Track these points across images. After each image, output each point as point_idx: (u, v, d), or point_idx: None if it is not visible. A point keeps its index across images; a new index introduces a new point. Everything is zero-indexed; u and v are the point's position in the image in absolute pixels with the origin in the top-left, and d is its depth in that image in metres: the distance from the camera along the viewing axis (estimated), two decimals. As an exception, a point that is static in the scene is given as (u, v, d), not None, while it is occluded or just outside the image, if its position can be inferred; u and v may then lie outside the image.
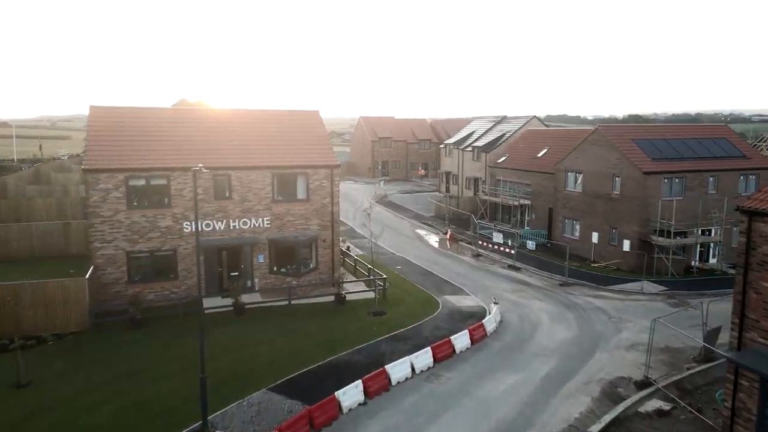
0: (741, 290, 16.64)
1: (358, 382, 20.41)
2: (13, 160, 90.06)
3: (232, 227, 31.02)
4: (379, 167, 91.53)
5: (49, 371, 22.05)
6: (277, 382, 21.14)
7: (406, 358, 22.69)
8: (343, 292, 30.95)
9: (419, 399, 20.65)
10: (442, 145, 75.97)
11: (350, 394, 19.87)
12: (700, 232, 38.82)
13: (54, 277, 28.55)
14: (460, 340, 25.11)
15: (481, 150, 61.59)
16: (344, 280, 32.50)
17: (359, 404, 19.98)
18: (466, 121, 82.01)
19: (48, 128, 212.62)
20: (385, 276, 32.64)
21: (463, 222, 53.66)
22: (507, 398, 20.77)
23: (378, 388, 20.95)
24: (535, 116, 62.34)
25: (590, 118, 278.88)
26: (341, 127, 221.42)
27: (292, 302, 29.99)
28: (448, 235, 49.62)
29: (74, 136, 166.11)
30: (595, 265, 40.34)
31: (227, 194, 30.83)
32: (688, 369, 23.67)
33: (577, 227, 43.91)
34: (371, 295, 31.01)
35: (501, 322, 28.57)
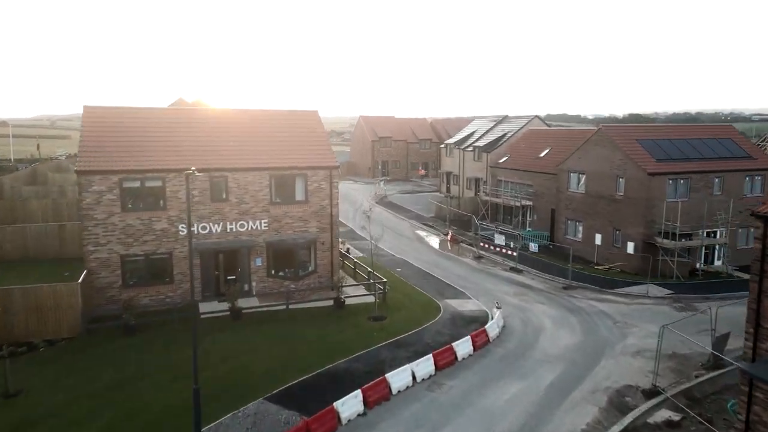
0: (756, 298, 15.99)
1: (358, 392, 19.78)
2: (10, 159, 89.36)
3: (229, 230, 30.37)
4: (379, 167, 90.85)
5: (39, 380, 21.42)
6: (274, 392, 20.49)
7: (407, 366, 22.04)
8: (343, 297, 30.31)
9: (420, 409, 20.01)
10: (442, 145, 75.26)
11: (349, 405, 19.24)
12: (705, 234, 38.18)
13: (48, 280, 28.01)
14: (463, 347, 24.46)
15: (483, 150, 60.91)
16: (344, 284, 31.83)
17: (358, 415, 19.34)
18: (467, 121, 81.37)
19: (47, 127, 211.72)
20: (385, 279, 31.98)
21: (463, 223, 53.01)
22: (511, 408, 20.12)
23: (378, 398, 20.30)
24: (536, 116, 61.68)
25: (590, 117, 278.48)
26: (341, 126, 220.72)
27: (290, 307, 29.31)
28: (449, 237, 48.96)
29: (73, 136, 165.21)
30: (599, 267, 39.69)
31: (224, 196, 30.17)
32: (696, 377, 23.03)
33: (580, 229, 43.26)
34: (371, 299, 30.37)
35: (504, 327, 27.93)
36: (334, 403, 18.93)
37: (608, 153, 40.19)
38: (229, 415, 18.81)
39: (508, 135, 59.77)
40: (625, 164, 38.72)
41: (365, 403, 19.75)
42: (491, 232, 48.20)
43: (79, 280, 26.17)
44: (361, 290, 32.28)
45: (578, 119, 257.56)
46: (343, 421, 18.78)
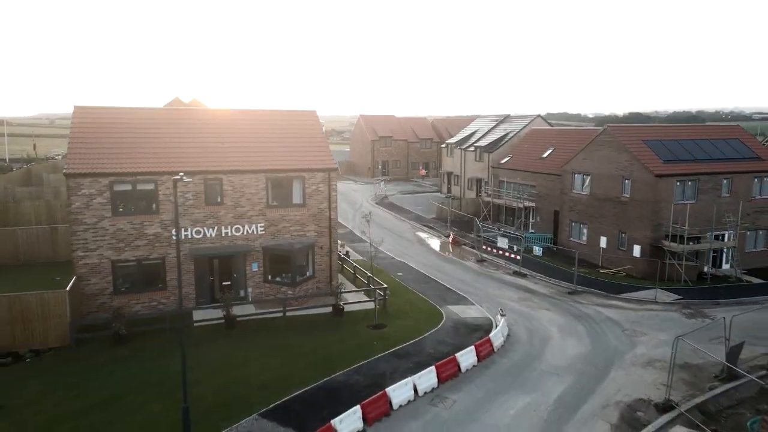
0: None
1: (357, 408, 18.80)
2: (5, 159, 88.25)
3: (224, 234, 29.38)
4: (379, 167, 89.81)
5: (23, 394, 20.41)
6: (270, 407, 19.52)
7: (409, 379, 21.02)
8: (342, 303, 29.30)
9: (423, 426, 19.03)
10: (443, 145, 74.24)
11: (348, 422, 18.26)
12: (713, 236, 37.20)
13: (38, 286, 27.05)
14: (466, 358, 23.46)
15: (484, 150, 59.90)
16: (343, 289, 30.80)
17: (357, 432, 18.40)
18: (468, 120, 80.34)
19: (46, 126, 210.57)
20: (385, 285, 30.99)
21: (465, 224, 52.03)
22: (518, 424, 19.15)
23: (378, 414, 19.33)
24: (539, 115, 60.69)
25: (591, 116, 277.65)
26: (341, 125, 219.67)
27: (287, 314, 28.32)
28: (450, 239, 47.98)
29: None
30: (604, 271, 38.70)
31: (219, 199, 29.18)
32: (710, 389, 22.06)
33: (585, 231, 42.25)
34: (371, 305, 29.35)
35: (508, 335, 26.94)
36: (332, 421, 17.95)
37: (614, 154, 39.19)
38: (221, 434, 17.86)
39: (510, 135, 58.76)
40: (631, 165, 37.72)
41: (364, 419, 18.77)
42: (493, 234, 47.24)
43: (68, 288, 25.15)
44: (361, 296, 31.29)
45: (579, 118, 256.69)
46: (341, 439, 17.82)
